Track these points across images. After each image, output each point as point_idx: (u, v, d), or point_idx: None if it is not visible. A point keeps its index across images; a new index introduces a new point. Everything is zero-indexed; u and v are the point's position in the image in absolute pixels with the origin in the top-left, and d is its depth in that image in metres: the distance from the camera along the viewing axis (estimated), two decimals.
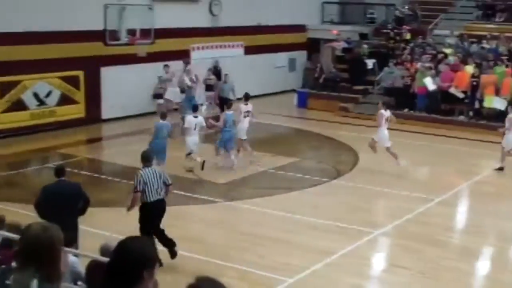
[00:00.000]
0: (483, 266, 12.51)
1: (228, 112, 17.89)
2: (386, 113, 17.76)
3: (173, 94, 22.90)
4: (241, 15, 28.42)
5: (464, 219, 15.68)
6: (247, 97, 18.79)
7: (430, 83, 24.63)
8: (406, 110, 24.96)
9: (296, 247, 12.33)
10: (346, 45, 30.30)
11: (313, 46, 32.31)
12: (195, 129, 17.12)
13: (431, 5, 32.02)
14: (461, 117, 24.35)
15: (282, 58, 31.50)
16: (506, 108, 19.76)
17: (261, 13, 29.47)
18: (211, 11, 27.77)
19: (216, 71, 25.91)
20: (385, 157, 17.65)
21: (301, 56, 32.56)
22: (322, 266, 11.44)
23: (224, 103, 22.13)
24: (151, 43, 22.69)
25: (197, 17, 26.84)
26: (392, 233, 13.52)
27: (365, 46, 29.49)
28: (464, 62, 25.37)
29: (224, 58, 26.53)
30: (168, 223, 11.42)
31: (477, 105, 24.16)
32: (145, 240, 3.88)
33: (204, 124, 17.45)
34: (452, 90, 24.45)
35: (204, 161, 17.02)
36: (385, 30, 30.72)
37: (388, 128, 17.84)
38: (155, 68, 24.38)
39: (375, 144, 17.81)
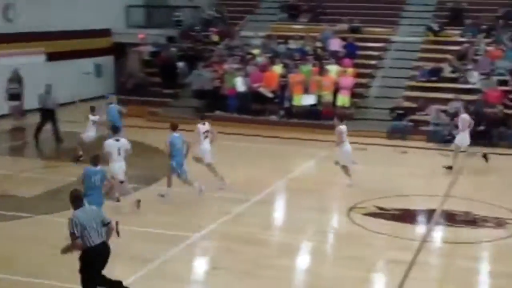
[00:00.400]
0: (302, 261, 12.66)
1: (176, 134, 15.39)
2: (344, 127, 16.63)
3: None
4: (41, 19, 26.94)
5: (282, 217, 15.87)
6: (203, 117, 16.91)
7: (240, 84, 24.84)
8: (217, 112, 24.93)
9: (115, 257, 11.70)
10: (153, 49, 29.88)
11: (119, 51, 31.62)
12: (119, 154, 14.55)
13: (237, 7, 32.44)
14: (273, 117, 24.74)
15: (88, 63, 30.39)
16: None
17: (63, 17, 28.19)
18: (5, 16, 26.15)
19: (18, 80, 24.55)
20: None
21: (108, 61, 31.68)
22: (143, 275, 11.08)
23: (48, 115, 21.56)
24: None
25: None
26: (212, 235, 13.38)
27: (174, 49, 29.18)
28: (272, 62, 25.87)
29: (24, 65, 25.09)
30: None
31: (287, 104, 24.67)
32: None
33: (129, 146, 14.80)
34: (262, 90, 24.80)
35: (139, 200, 14.79)
36: (192, 33, 30.64)
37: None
38: None
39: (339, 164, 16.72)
